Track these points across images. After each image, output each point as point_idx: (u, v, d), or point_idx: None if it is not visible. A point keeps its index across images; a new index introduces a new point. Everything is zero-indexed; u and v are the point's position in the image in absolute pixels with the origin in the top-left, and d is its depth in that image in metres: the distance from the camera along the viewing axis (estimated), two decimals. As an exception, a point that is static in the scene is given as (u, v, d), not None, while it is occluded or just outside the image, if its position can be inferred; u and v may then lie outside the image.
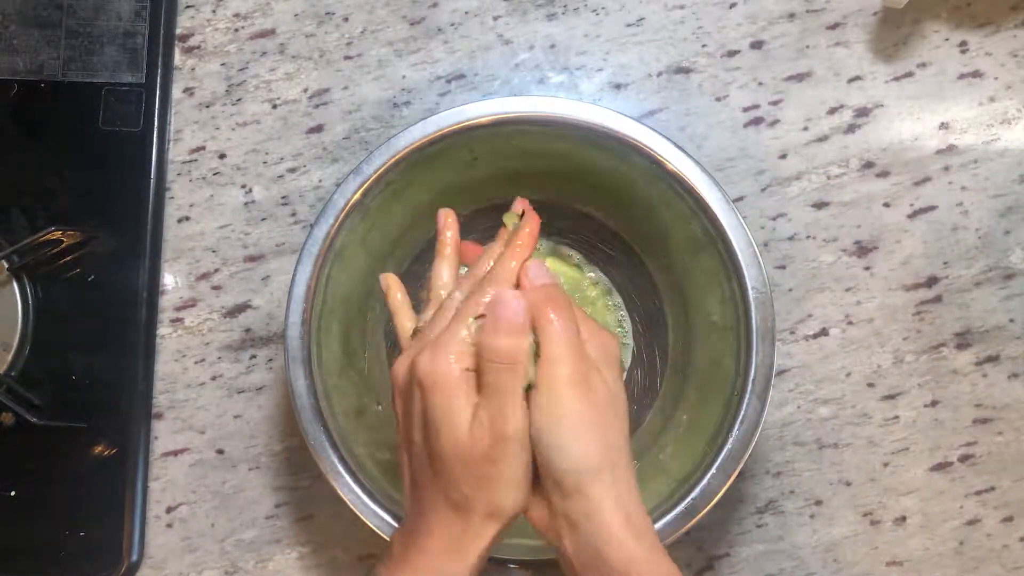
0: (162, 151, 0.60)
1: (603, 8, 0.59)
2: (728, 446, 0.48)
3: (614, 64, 0.59)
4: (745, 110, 0.58)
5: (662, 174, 0.50)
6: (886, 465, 0.57)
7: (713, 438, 0.49)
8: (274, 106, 0.60)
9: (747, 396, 0.48)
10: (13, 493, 0.58)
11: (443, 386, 0.39)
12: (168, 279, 0.60)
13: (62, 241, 0.59)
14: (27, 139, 0.60)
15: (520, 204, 0.48)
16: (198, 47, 0.60)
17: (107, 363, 0.59)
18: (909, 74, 0.58)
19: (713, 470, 0.48)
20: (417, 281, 0.55)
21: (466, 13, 0.59)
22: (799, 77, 0.58)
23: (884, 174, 0.58)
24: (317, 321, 0.51)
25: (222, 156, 0.60)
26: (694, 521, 0.48)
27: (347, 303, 0.54)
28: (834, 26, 0.58)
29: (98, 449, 0.58)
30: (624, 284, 0.58)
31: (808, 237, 0.58)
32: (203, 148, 0.60)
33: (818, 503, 0.57)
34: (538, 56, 0.59)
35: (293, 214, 0.60)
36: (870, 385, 0.57)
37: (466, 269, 0.58)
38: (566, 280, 0.58)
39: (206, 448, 0.59)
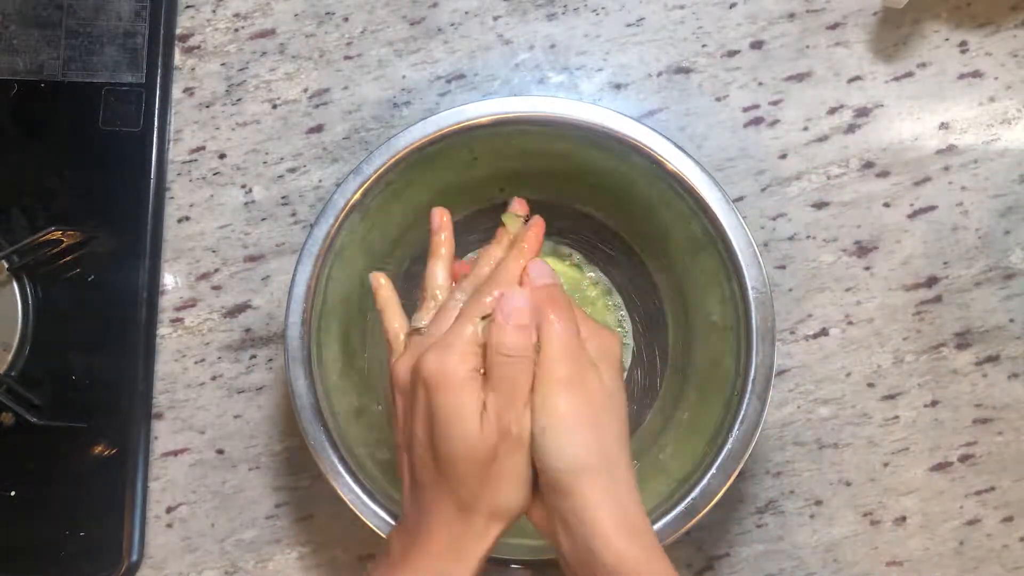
0: (162, 151, 0.60)
1: (603, 8, 0.59)
2: (728, 446, 0.48)
3: (614, 64, 0.59)
4: (745, 110, 0.58)
5: (662, 174, 0.50)
6: (886, 465, 0.57)
7: (713, 438, 0.49)
8: (274, 106, 0.60)
9: (747, 396, 0.48)
10: (13, 493, 0.58)
11: (450, 385, 0.40)
12: (168, 279, 0.60)
13: (62, 241, 0.59)
14: (27, 139, 0.60)
15: (519, 204, 0.48)
16: (198, 47, 0.60)
17: (107, 363, 0.59)
18: (909, 74, 0.58)
19: (713, 470, 0.48)
20: (417, 282, 0.55)
21: (466, 13, 0.59)
22: (799, 77, 0.58)
23: (884, 174, 0.58)
24: (317, 321, 0.51)
25: (222, 156, 0.60)
26: (694, 521, 0.48)
27: (347, 303, 0.54)
28: (834, 26, 0.58)
29: (98, 449, 0.58)
30: (624, 284, 0.58)
31: (808, 237, 0.58)
32: (203, 148, 0.60)
33: (818, 503, 0.57)
34: (538, 56, 0.59)
35: (293, 214, 0.60)
36: (870, 385, 0.57)
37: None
38: (566, 280, 0.58)
39: (206, 448, 0.59)
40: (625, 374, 0.58)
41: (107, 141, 0.60)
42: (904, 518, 0.57)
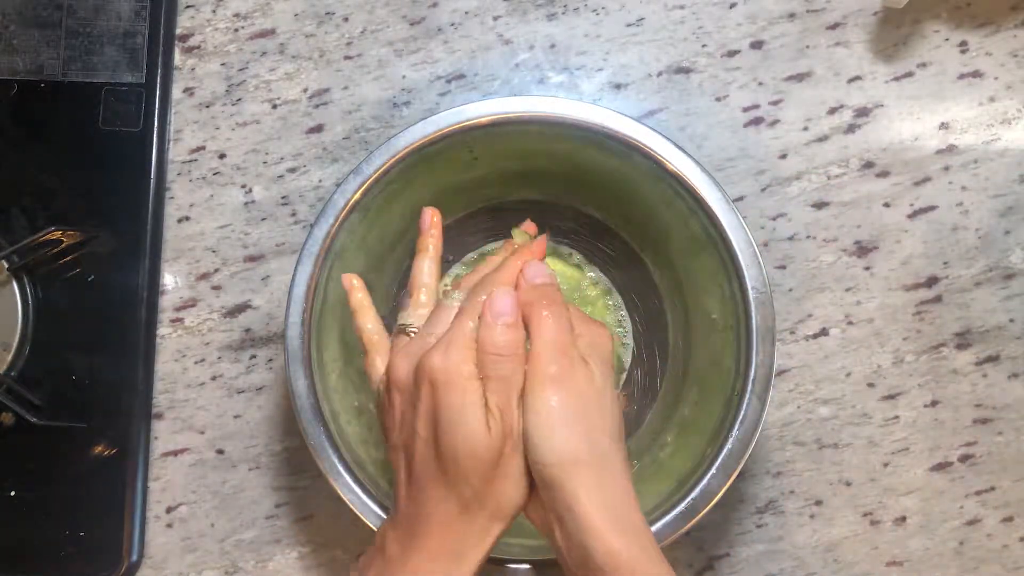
0: (162, 151, 0.60)
1: (603, 8, 0.59)
2: (728, 446, 0.48)
3: (614, 64, 0.59)
4: (745, 110, 0.58)
5: (662, 174, 0.50)
6: (886, 465, 0.57)
7: (713, 438, 0.49)
8: (274, 106, 0.60)
9: (747, 396, 0.48)
10: (13, 493, 0.58)
11: (456, 383, 0.40)
12: (168, 279, 0.60)
13: (62, 241, 0.59)
14: (27, 139, 0.60)
15: (529, 224, 0.50)
16: (198, 47, 0.60)
17: (107, 363, 0.59)
18: (909, 74, 0.58)
19: (713, 470, 0.48)
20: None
21: (466, 13, 0.59)
22: (799, 77, 0.58)
23: (884, 174, 0.58)
24: (317, 321, 0.51)
25: (222, 156, 0.60)
26: (694, 521, 0.48)
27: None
28: (834, 26, 0.58)
29: (98, 449, 0.58)
30: (624, 284, 0.58)
31: (808, 237, 0.58)
32: (203, 148, 0.60)
33: (818, 503, 0.57)
34: (538, 56, 0.59)
35: (293, 214, 0.60)
36: (870, 385, 0.57)
37: (456, 274, 0.58)
38: (566, 280, 0.58)
39: (206, 448, 0.59)
40: (625, 374, 0.58)
41: (107, 141, 0.60)
42: (904, 518, 0.57)
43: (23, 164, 0.60)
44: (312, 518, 0.59)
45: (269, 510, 0.59)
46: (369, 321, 0.47)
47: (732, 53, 0.58)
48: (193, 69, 0.60)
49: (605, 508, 0.39)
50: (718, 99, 0.58)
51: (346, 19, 0.60)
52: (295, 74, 0.60)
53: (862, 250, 0.58)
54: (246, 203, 0.60)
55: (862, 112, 0.58)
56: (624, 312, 0.58)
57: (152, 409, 0.59)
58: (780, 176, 0.58)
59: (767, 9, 0.58)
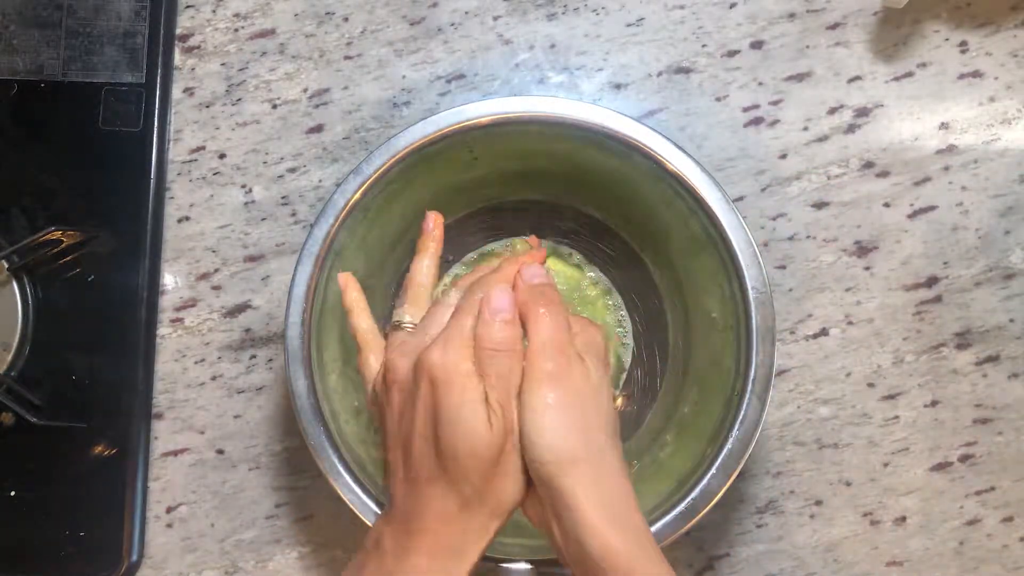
0: (162, 151, 0.60)
1: (603, 8, 0.59)
2: (728, 446, 0.48)
3: (614, 64, 0.59)
4: (745, 110, 0.58)
5: (662, 174, 0.50)
6: (886, 465, 0.57)
7: (713, 438, 0.49)
8: (274, 106, 0.60)
9: (747, 396, 0.48)
10: (13, 493, 0.58)
11: (456, 380, 0.40)
12: (168, 279, 0.60)
13: (62, 241, 0.59)
14: (27, 139, 0.60)
15: (533, 237, 0.52)
16: (198, 47, 0.60)
17: (107, 363, 0.59)
18: (909, 74, 0.58)
19: (713, 470, 0.48)
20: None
21: (466, 13, 0.59)
22: (799, 77, 0.58)
23: (884, 174, 0.58)
24: (317, 321, 0.51)
25: (222, 156, 0.60)
26: (694, 521, 0.48)
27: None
28: (834, 26, 0.58)
29: (98, 449, 0.58)
30: (624, 284, 0.58)
31: (808, 237, 0.58)
32: (203, 148, 0.60)
33: (818, 503, 0.57)
34: (538, 56, 0.59)
35: (293, 214, 0.60)
36: (870, 385, 0.57)
37: (455, 274, 0.58)
38: (566, 280, 0.58)
39: (206, 448, 0.59)
40: (625, 374, 0.58)
41: (107, 141, 0.60)
42: (904, 518, 0.57)
43: (23, 164, 0.60)
44: (312, 518, 0.59)
45: (269, 510, 0.59)
46: (363, 320, 0.48)
47: (732, 53, 0.58)
48: (193, 69, 0.60)
49: (602, 505, 0.39)
50: (718, 99, 0.58)
51: (346, 19, 0.60)
52: (295, 74, 0.60)
53: (862, 250, 0.58)
54: (246, 203, 0.60)
55: (862, 112, 0.58)
56: (624, 312, 0.58)
57: (152, 409, 0.59)
58: (780, 176, 0.58)
59: (767, 9, 0.58)
